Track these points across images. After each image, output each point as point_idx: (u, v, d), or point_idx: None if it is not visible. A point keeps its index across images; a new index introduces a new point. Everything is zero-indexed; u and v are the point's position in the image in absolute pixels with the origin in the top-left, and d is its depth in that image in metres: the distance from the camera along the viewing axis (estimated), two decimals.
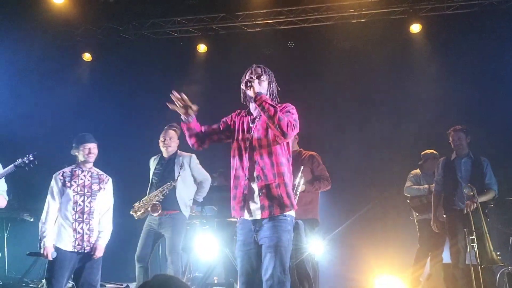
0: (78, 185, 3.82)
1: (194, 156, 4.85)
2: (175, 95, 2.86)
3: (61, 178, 3.83)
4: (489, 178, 4.65)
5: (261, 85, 2.87)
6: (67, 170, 3.90)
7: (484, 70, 6.56)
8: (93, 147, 3.88)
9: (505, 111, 6.28)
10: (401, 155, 6.04)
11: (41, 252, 3.68)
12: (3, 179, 3.86)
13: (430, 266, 5.29)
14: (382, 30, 7.14)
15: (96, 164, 4.99)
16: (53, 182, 3.85)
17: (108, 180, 4.01)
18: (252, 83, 2.80)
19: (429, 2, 7.05)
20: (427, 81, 7.04)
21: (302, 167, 4.13)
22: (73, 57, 7.98)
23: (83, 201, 3.79)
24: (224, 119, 3.09)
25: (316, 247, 4.77)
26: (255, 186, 2.79)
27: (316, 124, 6.79)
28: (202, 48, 7.78)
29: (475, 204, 4.36)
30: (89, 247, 3.75)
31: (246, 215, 2.81)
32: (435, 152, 5.60)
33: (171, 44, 7.93)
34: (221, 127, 3.05)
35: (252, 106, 2.99)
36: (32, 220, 6.16)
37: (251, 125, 2.94)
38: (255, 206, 2.78)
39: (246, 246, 2.81)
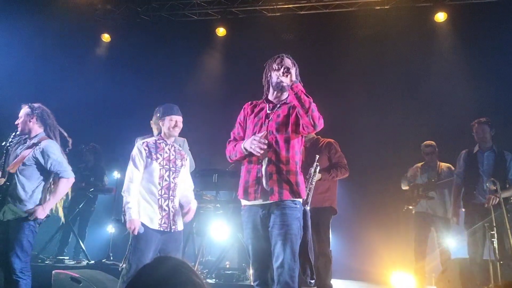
0: (163, 159, 3.47)
1: (186, 140, 4.87)
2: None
3: (146, 148, 3.47)
4: None
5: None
6: (150, 141, 3.56)
7: (509, 62, 6.34)
8: (179, 120, 3.60)
9: None
10: (420, 148, 5.87)
11: (127, 226, 3.29)
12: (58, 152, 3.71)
13: (441, 261, 5.19)
14: (406, 18, 6.95)
15: (113, 144, 5.05)
16: (136, 151, 3.48)
17: (186, 157, 3.71)
18: (291, 71, 2.79)
19: None
20: (451, 72, 6.84)
21: (317, 156, 4.07)
22: (93, 37, 7.99)
23: (168, 176, 3.45)
24: (239, 121, 3.06)
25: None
26: (265, 170, 2.79)
27: (335, 112, 6.67)
28: (221, 31, 7.70)
29: (497, 199, 4.26)
30: (174, 226, 3.42)
31: (257, 199, 2.80)
32: (432, 143, 5.48)
33: (190, 26, 7.86)
34: (241, 132, 3.03)
35: (273, 93, 2.99)
36: None
37: (269, 111, 2.94)
38: (265, 190, 2.78)
39: (255, 233, 2.81)
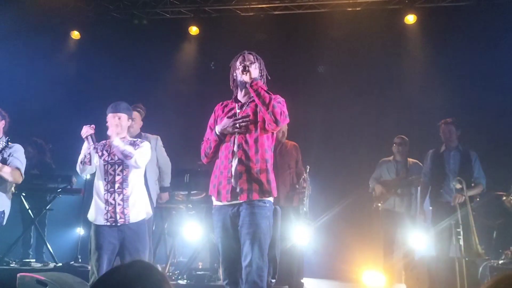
0: (109, 154, 3.45)
1: (159, 138, 4.82)
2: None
3: (97, 146, 3.49)
4: (477, 172, 4.67)
5: (254, 72, 2.88)
6: (102, 142, 3.58)
7: (477, 64, 6.53)
8: (119, 116, 3.50)
9: (495, 105, 6.27)
10: (392, 146, 5.97)
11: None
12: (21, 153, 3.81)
13: (405, 262, 5.27)
14: (377, 20, 7.05)
15: (81, 144, 4.93)
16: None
17: (140, 144, 3.54)
18: (249, 68, 2.81)
19: None
20: (420, 72, 6.99)
21: (308, 167, 4.26)
22: (62, 34, 7.79)
23: (114, 170, 3.40)
24: (210, 124, 3.07)
25: (301, 235, 4.76)
26: (235, 169, 2.79)
27: (306, 113, 6.74)
28: (194, 30, 7.64)
29: (463, 198, 4.37)
30: (122, 219, 3.35)
31: (228, 200, 2.78)
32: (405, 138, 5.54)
33: (162, 25, 7.76)
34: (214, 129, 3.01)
35: (241, 93, 3.00)
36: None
37: (238, 110, 2.93)
38: (235, 189, 2.77)
39: (225, 232, 2.81)
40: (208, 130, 3.06)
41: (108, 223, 3.34)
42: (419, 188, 5.25)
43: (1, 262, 5.51)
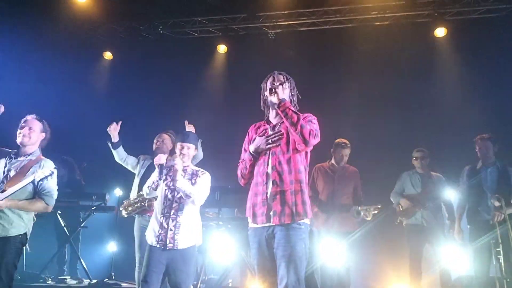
0: (171, 180, 3.60)
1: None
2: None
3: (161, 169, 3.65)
4: None
5: (284, 92, 2.89)
6: (169, 163, 3.73)
7: (510, 77, 6.36)
8: (187, 146, 3.68)
9: None
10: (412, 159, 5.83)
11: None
12: (54, 181, 3.67)
13: (442, 283, 5.06)
14: (406, 34, 7.00)
15: (114, 162, 5.05)
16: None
17: (200, 178, 3.70)
18: (276, 89, 2.81)
19: (455, 5, 6.91)
20: (450, 87, 6.87)
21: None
22: (95, 55, 8.04)
23: (173, 196, 3.57)
24: (244, 146, 3.08)
25: (334, 252, 4.71)
26: (270, 191, 2.77)
27: (336, 128, 6.69)
28: (222, 48, 7.76)
29: (502, 216, 4.22)
30: (171, 244, 3.48)
31: (263, 222, 2.77)
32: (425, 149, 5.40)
33: (191, 44, 7.92)
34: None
35: (272, 113, 3.00)
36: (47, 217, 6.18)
37: (270, 132, 2.93)
38: (270, 212, 2.75)
39: (261, 254, 2.79)
40: (242, 152, 3.06)
41: (158, 245, 3.48)
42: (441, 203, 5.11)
43: (37, 279, 5.64)
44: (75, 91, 7.62)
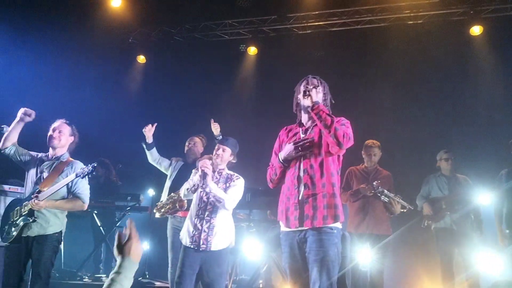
0: None
1: None
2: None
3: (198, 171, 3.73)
4: None
5: (317, 96, 2.90)
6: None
7: None
8: (223, 149, 3.82)
9: None
10: (459, 160, 5.67)
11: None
12: (86, 180, 3.84)
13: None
14: (440, 32, 6.83)
15: (148, 163, 5.17)
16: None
17: (235, 182, 3.79)
18: (310, 92, 2.82)
19: (491, 2, 6.70)
20: (487, 86, 6.65)
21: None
22: (129, 59, 8.23)
23: (207, 198, 3.64)
24: (275, 150, 3.09)
25: (368, 256, 4.66)
26: (302, 195, 2.78)
27: (367, 128, 6.60)
28: (252, 50, 7.80)
29: None
30: (204, 245, 3.55)
31: (296, 226, 2.78)
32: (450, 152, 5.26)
33: (222, 46, 8.00)
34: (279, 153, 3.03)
35: (305, 117, 3.00)
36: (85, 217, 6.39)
37: (302, 135, 2.93)
38: (302, 215, 2.75)
39: (293, 258, 2.81)
40: (273, 155, 3.07)
41: (192, 246, 3.56)
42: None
43: (74, 277, 5.84)
44: (110, 95, 7.81)
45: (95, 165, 3.69)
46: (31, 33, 6.86)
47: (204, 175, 3.53)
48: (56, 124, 3.88)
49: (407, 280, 5.96)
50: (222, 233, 3.61)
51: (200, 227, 3.57)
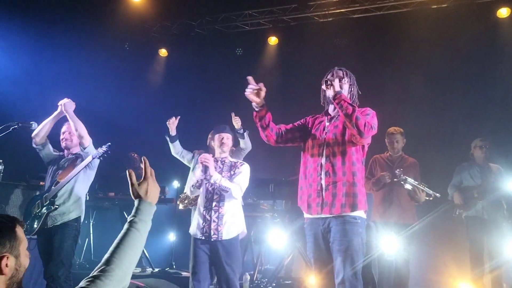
0: None
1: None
2: (251, 83, 2.86)
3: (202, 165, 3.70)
4: None
5: (342, 88, 2.93)
6: None
7: None
8: (226, 137, 3.80)
9: None
10: (492, 148, 5.52)
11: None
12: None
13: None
14: (466, 16, 6.63)
15: (172, 156, 5.24)
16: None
17: (240, 169, 3.73)
18: (333, 82, 2.84)
19: None
20: None
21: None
22: (150, 53, 8.32)
23: (213, 189, 3.63)
24: (299, 121, 3.15)
25: (393, 245, 4.62)
26: (323, 182, 2.81)
27: (392, 114, 6.49)
28: (273, 40, 7.76)
29: None
30: (216, 235, 3.54)
31: (318, 213, 2.80)
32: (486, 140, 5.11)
33: (242, 37, 7.98)
34: (296, 124, 3.09)
35: (331, 107, 3.04)
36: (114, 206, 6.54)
37: (327, 123, 2.97)
38: (324, 202, 2.78)
39: (317, 247, 2.84)
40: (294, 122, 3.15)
41: (203, 237, 3.57)
42: None
43: None
44: (133, 89, 7.93)
45: (109, 144, 3.90)
46: (53, 30, 7.00)
47: (205, 169, 3.53)
48: (64, 128, 4.15)
49: (434, 269, 5.88)
50: (232, 221, 3.60)
51: (209, 218, 3.57)
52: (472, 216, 4.98)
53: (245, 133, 4.89)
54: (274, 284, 5.11)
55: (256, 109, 2.94)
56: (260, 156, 6.27)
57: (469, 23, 6.64)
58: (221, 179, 3.57)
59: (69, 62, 7.24)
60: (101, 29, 7.60)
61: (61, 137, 4.15)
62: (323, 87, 2.95)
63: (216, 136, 3.82)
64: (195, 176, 3.74)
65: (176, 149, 5.09)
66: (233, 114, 5.04)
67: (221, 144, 3.75)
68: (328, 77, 2.95)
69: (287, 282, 5.10)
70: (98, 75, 7.59)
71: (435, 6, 6.89)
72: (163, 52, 8.28)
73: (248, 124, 5.04)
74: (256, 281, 5.30)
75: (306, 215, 2.93)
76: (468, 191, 5.04)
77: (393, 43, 7.20)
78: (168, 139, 5.06)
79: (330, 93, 2.86)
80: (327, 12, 7.41)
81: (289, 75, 7.63)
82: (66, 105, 3.99)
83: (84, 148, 4.01)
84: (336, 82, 2.85)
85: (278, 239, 5.48)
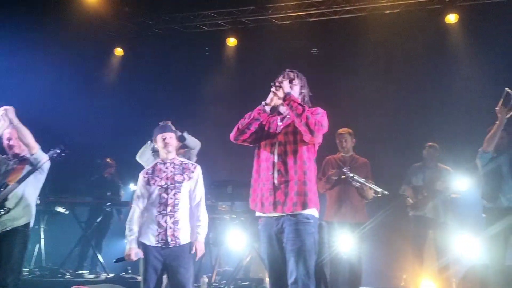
0: (161, 179, 3.52)
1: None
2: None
3: (146, 176, 3.57)
4: None
5: (293, 89, 2.97)
6: (150, 166, 3.65)
7: None
8: (169, 136, 3.60)
9: None
10: (442, 150, 5.78)
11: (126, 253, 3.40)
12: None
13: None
14: (417, 21, 6.92)
15: (128, 157, 5.11)
16: (138, 185, 3.61)
17: (193, 170, 3.61)
18: (281, 85, 2.89)
19: None
20: (463, 74, 6.77)
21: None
22: (106, 52, 8.11)
23: (167, 194, 3.47)
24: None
25: (346, 244, 4.72)
26: (276, 181, 2.83)
27: (346, 118, 6.65)
28: (232, 41, 7.76)
29: None
30: (174, 241, 3.40)
31: (271, 211, 2.82)
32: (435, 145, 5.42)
33: (200, 38, 7.93)
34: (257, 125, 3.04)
35: (282, 107, 3.05)
36: (67, 213, 6.33)
37: (279, 123, 3.01)
38: (276, 201, 2.81)
39: (271, 248, 2.85)
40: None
41: (159, 245, 3.41)
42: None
43: (56, 274, 5.77)
44: (88, 88, 7.70)
45: (63, 146, 3.79)
46: (5, 29, 6.70)
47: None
48: (7, 133, 3.86)
49: (386, 265, 6.07)
50: (186, 226, 3.51)
51: (164, 224, 3.42)
52: (418, 215, 5.27)
53: (184, 134, 4.66)
54: (232, 286, 5.09)
55: (266, 108, 2.91)
56: (217, 157, 6.26)
57: (420, 28, 6.93)
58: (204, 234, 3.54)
59: (18, 62, 6.94)
60: (54, 27, 7.33)
61: (7, 143, 3.87)
62: (272, 89, 2.95)
63: (158, 137, 3.62)
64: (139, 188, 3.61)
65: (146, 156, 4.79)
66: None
67: (165, 144, 3.57)
68: (278, 79, 2.98)
69: (245, 283, 5.09)
70: (51, 75, 7.34)
71: (388, 11, 7.13)
72: (118, 51, 8.09)
73: (188, 123, 4.95)
74: (214, 283, 5.26)
75: (258, 214, 2.94)
76: (417, 190, 5.30)
77: (349, 47, 7.39)
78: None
79: (280, 94, 2.89)
80: (285, 15, 7.51)
81: (247, 76, 7.65)
82: (8, 114, 3.68)
83: (32, 155, 3.82)
84: (285, 84, 2.91)
85: (237, 241, 5.47)
